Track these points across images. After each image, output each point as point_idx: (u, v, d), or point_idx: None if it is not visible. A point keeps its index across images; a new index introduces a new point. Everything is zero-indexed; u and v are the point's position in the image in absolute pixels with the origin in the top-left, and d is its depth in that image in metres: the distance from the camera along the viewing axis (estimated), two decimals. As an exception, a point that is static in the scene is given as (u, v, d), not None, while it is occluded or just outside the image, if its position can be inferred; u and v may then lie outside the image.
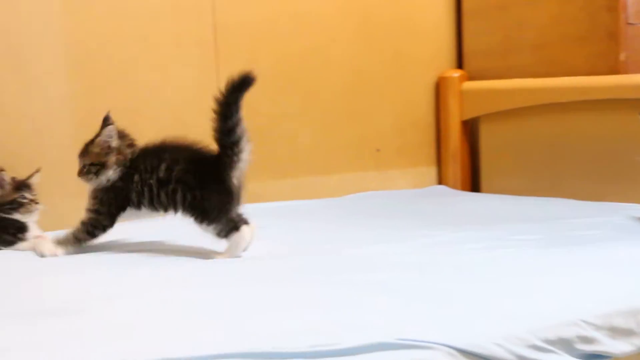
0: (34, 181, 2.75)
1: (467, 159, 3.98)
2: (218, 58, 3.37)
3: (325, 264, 2.23)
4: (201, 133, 3.35)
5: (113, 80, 3.08)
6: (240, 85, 2.37)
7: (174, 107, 3.28)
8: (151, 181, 2.37)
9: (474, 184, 3.99)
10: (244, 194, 2.41)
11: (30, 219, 2.73)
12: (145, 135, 3.10)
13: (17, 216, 2.69)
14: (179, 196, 2.35)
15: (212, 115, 2.41)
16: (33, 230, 2.70)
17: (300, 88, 3.67)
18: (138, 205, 2.40)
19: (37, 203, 2.72)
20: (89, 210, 2.42)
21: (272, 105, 3.57)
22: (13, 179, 2.70)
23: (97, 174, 2.39)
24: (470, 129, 3.97)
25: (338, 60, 3.78)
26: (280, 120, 3.61)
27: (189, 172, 2.37)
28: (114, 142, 2.41)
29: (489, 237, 2.53)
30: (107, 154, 2.40)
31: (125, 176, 2.41)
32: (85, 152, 2.44)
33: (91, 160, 2.40)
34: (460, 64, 4.04)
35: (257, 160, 3.56)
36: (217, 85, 3.54)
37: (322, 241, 2.63)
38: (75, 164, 2.46)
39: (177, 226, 2.45)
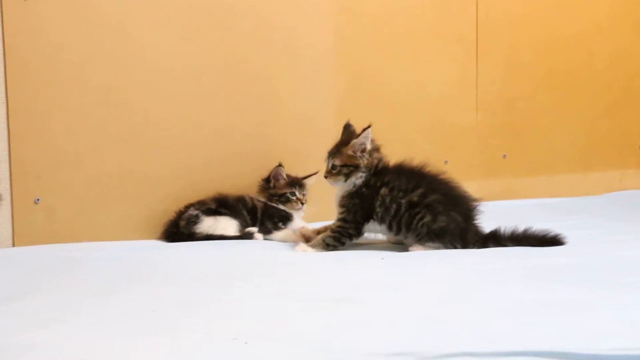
0: (309, 182, 2.88)
1: None
2: (477, 52, 3.34)
3: (600, 265, 2.11)
4: (458, 127, 3.38)
5: (375, 75, 3.15)
6: (547, 243, 2.41)
7: (433, 102, 3.29)
8: (402, 201, 2.41)
9: None
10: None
11: (296, 213, 2.88)
12: (405, 129, 3.17)
13: (283, 208, 2.85)
14: (418, 217, 2.38)
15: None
16: (297, 222, 2.84)
17: (560, 81, 3.53)
18: (380, 220, 2.44)
19: (303, 203, 2.85)
20: (338, 219, 2.49)
21: (530, 100, 3.48)
22: (288, 175, 2.86)
23: (347, 175, 2.46)
24: None
25: (601, 50, 3.60)
26: (538, 116, 3.50)
27: (440, 202, 2.40)
28: (369, 146, 2.46)
29: None
30: (361, 157, 2.45)
31: (371, 184, 2.45)
32: (336, 152, 2.48)
33: (344, 162, 2.46)
34: None
35: (511, 156, 3.51)
36: (476, 80, 3.56)
37: (591, 241, 2.50)
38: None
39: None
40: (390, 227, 2.44)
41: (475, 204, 2.47)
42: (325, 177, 2.52)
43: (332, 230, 2.47)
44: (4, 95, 2.50)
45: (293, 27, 2.97)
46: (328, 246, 2.45)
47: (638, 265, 2.12)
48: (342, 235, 2.46)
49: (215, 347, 1.42)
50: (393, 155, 2.54)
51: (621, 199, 3.50)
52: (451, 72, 3.30)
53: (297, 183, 2.85)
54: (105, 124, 2.66)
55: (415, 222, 2.39)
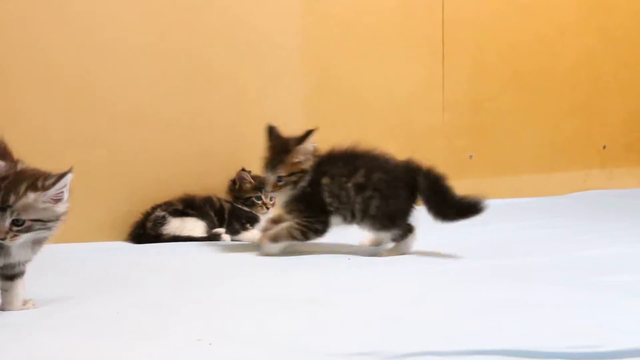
0: None
1: None
2: (444, 53, 3.36)
3: (565, 265, 2.14)
4: (426, 127, 3.40)
5: (342, 76, 3.16)
6: (469, 211, 2.33)
7: (400, 103, 3.30)
8: (348, 185, 2.33)
9: None
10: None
11: (262, 216, 2.83)
12: (372, 130, 3.18)
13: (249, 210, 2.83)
14: (373, 202, 2.32)
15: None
16: (264, 223, 2.82)
17: (525, 83, 3.57)
18: (336, 210, 2.35)
19: (268, 208, 2.81)
20: (296, 222, 2.36)
21: (496, 101, 3.51)
22: (255, 177, 2.81)
23: (296, 183, 2.36)
24: None
25: (566, 52, 3.64)
26: (504, 116, 3.53)
27: (384, 181, 2.34)
28: (312, 148, 2.37)
29: None
30: (307, 160, 2.37)
31: (312, 182, 2.36)
32: (279, 163, 2.36)
33: (290, 171, 2.35)
34: None
35: (478, 157, 3.54)
36: (442, 81, 3.59)
37: (556, 241, 2.55)
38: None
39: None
40: (353, 216, 2.35)
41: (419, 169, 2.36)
42: (272, 191, 2.42)
43: (299, 224, 2.35)
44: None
45: (260, 26, 2.96)
46: (294, 239, 2.35)
47: (602, 264, 2.15)
48: (309, 230, 2.34)
49: (178, 348, 1.42)
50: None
51: (585, 199, 3.54)
52: (417, 72, 3.32)
53: (264, 186, 2.82)
54: (69, 123, 2.64)
55: (371, 207, 2.31)
